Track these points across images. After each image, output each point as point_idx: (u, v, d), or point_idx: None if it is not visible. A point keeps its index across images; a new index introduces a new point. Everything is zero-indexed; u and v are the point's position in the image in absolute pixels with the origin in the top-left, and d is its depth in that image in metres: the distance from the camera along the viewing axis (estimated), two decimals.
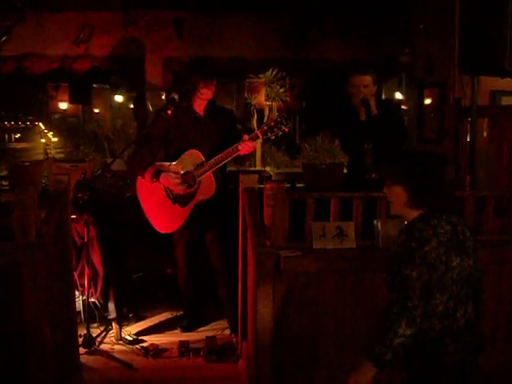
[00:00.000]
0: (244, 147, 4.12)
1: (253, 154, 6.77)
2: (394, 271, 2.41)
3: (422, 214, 2.48)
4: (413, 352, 2.44)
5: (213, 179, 4.27)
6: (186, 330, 4.70)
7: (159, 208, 4.46)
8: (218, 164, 4.20)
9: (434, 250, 2.35)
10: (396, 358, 2.36)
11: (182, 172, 4.29)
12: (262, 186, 3.54)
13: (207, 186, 4.28)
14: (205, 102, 4.45)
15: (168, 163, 4.35)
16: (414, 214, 2.51)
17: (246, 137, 4.14)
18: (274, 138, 4.17)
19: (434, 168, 2.55)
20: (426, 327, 2.39)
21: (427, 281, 2.34)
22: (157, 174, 4.29)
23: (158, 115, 4.37)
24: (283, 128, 4.10)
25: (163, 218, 4.47)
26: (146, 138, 4.40)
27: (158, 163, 4.35)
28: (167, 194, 4.41)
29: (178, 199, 4.38)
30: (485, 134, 5.13)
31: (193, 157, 4.29)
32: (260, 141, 6.30)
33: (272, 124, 4.10)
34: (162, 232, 4.49)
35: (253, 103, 6.83)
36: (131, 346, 4.37)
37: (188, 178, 4.28)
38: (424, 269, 2.33)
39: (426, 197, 2.48)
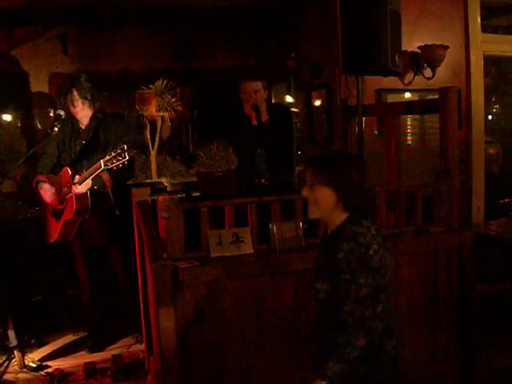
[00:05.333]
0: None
1: (148, 166, 6.75)
2: (346, 281, 2.24)
3: (351, 216, 2.38)
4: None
5: (73, 201, 4.23)
6: (92, 350, 4.58)
7: (46, 218, 4.54)
8: (81, 183, 4.16)
9: (377, 252, 2.28)
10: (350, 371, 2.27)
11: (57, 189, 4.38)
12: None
13: (70, 206, 4.28)
14: (86, 117, 4.48)
15: (52, 176, 4.45)
16: (342, 216, 2.39)
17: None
18: (115, 168, 3.95)
19: (362, 168, 2.45)
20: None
21: (376, 286, 2.26)
22: (36, 185, 4.44)
23: (45, 133, 4.36)
24: (121, 160, 3.90)
25: (47, 227, 4.54)
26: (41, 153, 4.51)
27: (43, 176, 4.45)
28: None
29: (54, 212, 4.42)
30: (376, 131, 5.30)
31: (65, 175, 4.32)
32: (154, 153, 6.22)
33: (113, 154, 3.93)
34: (48, 242, 4.54)
35: (145, 115, 6.76)
36: (36, 373, 4.24)
37: (61, 195, 4.33)
38: (374, 274, 2.25)
39: (356, 198, 2.38)
